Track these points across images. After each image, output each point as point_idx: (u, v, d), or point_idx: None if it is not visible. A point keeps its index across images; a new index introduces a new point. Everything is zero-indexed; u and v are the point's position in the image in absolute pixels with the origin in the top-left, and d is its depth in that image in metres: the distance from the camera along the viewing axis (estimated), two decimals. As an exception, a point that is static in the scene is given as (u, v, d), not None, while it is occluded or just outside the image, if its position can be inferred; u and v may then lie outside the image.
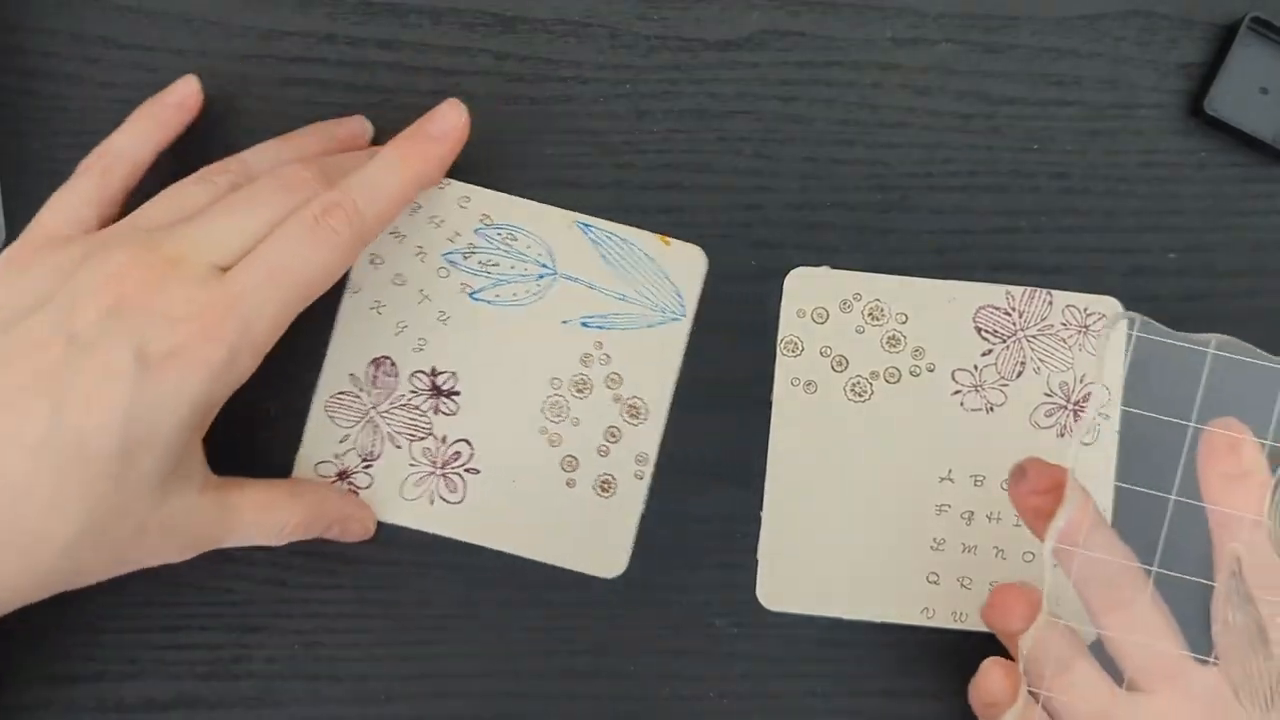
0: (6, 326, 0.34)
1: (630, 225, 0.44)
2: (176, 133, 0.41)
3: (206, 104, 0.43)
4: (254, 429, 0.42)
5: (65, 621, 0.42)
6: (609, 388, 0.43)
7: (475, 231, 0.43)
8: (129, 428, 0.33)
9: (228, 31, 0.44)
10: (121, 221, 0.37)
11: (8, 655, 0.42)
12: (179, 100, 0.41)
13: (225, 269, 0.35)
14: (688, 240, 0.44)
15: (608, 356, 0.43)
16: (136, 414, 0.33)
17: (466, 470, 0.42)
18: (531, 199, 0.44)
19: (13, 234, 0.43)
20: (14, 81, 0.44)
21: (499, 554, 0.42)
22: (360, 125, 0.42)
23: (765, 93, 0.44)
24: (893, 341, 0.43)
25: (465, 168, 0.44)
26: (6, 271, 0.36)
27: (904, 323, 0.43)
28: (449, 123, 0.39)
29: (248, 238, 0.35)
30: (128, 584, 0.42)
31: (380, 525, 0.42)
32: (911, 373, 0.43)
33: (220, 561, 0.42)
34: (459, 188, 0.43)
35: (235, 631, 0.42)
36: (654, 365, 0.43)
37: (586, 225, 0.43)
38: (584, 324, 0.43)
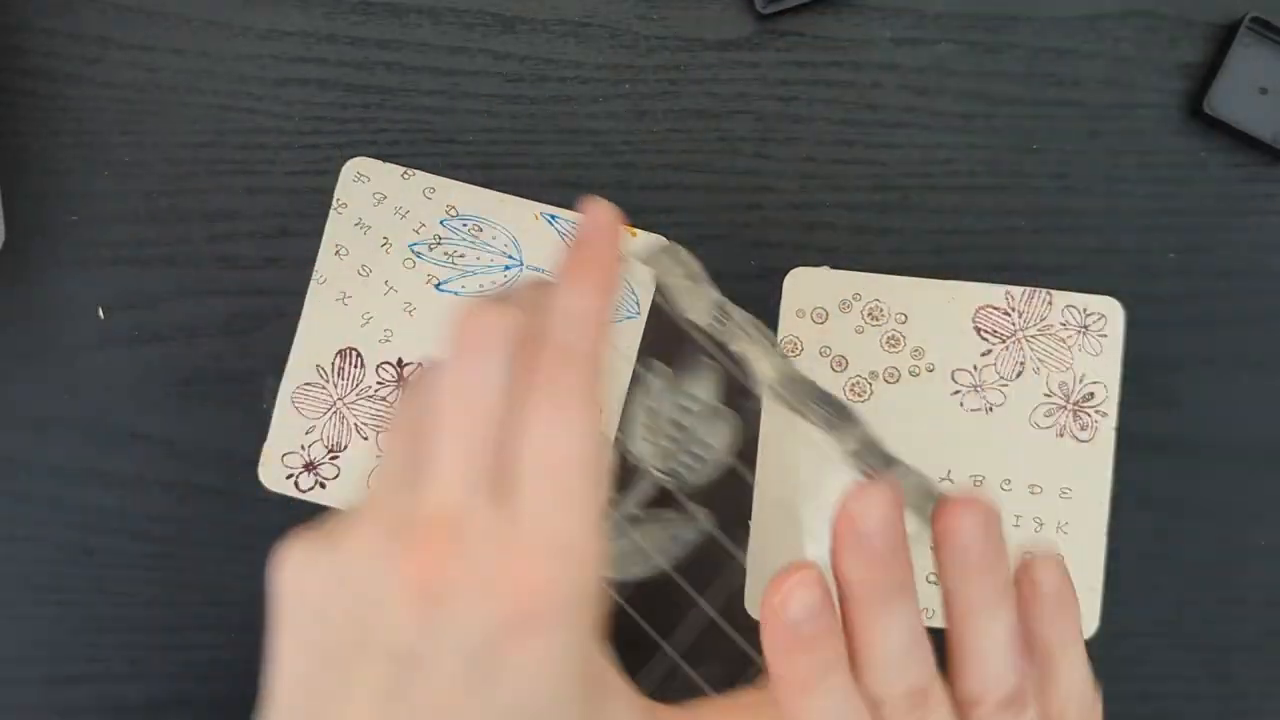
0: (335, 670, 0.28)
1: (630, 225, 0.44)
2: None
3: (208, 105, 0.43)
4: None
5: (65, 621, 0.42)
6: None
7: (441, 223, 0.43)
8: None
9: (228, 31, 0.44)
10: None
11: (7, 656, 0.42)
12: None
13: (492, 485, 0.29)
14: (687, 240, 0.44)
15: None
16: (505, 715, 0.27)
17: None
18: (532, 199, 0.44)
19: (12, 234, 0.43)
20: (14, 81, 0.44)
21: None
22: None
23: (765, 93, 0.44)
24: (892, 341, 0.43)
25: (464, 167, 0.44)
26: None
27: (904, 323, 0.43)
28: (601, 219, 0.34)
29: (481, 429, 0.30)
30: (128, 584, 0.43)
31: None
32: (911, 373, 0.43)
33: (220, 561, 0.42)
34: (424, 178, 0.44)
35: (235, 631, 0.42)
36: (615, 357, 0.43)
37: (552, 216, 0.43)
38: None
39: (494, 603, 0.27)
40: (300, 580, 0.29)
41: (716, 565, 0.39)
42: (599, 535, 0.29)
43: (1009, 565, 0.31)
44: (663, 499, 0.38)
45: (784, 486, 0.42)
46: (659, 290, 0.35)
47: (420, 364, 0.42)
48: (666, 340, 0.38)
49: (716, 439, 0.37)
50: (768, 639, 0.29)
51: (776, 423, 0.42)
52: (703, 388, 0.38)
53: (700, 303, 0.34)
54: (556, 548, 0.28)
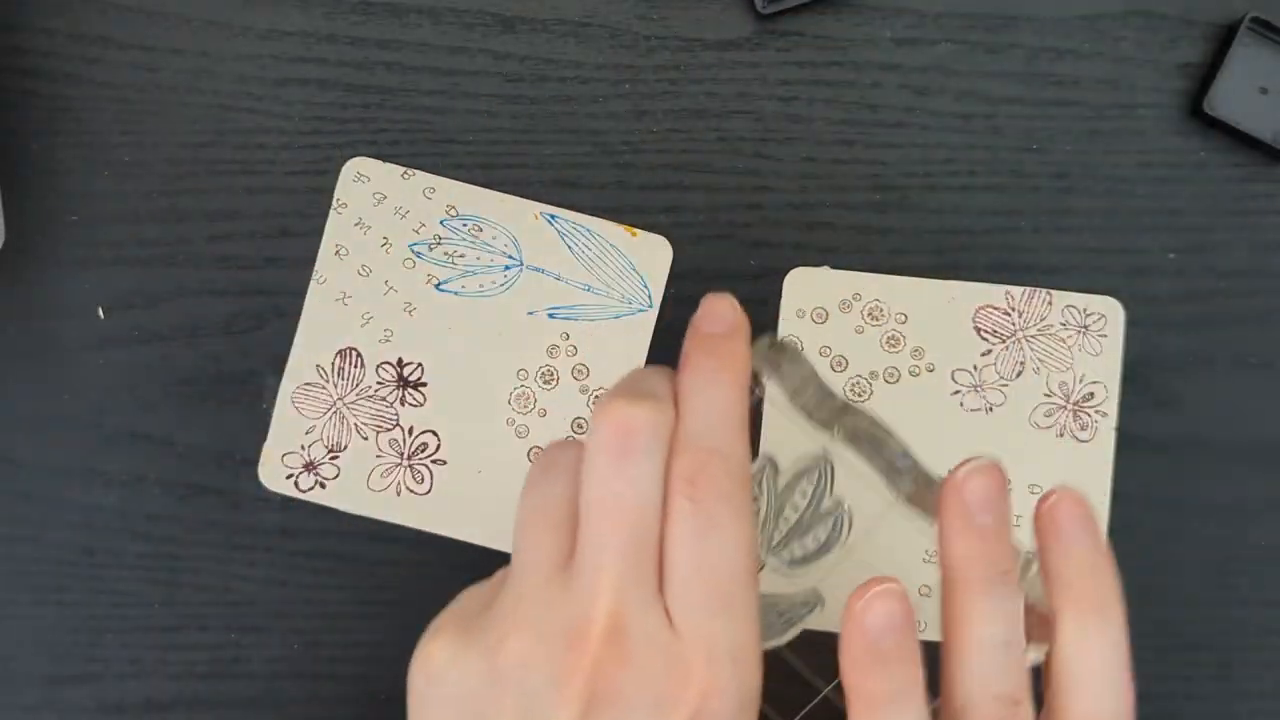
0: None
1: (629, 225, 0.44)
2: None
3: (208, 105, 0.43)
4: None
5: (65, 621, 0.42)
6: (576, 379, 0.43)
7: (441, 223, 0.43)
8: None
9: (228, 31, 0.44)
10: (485, 585, 0.32)
11: (8, 656, 0.42)
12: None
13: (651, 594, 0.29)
14: (687, 240, 0.44)
15: (574, 348, 0.43)
16: None
17: (433, 461, 0.43)
18: (532, 199, 0.44)
19: (12, 234, 0.43)
20: (14, 81, 0.44)
21: (502, 554, 0.42)
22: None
23: (765, 93, 0.44)
24: (892, 341, 0.43)
25: (464, 167, 0.44)
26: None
27: (903, 323, 0.43)
28: (727, 314, 0.32)
29: (643, 538, 0.29)
30: (128, 584, 0.43)
31: (378, 524, 0.42)
32: (911, 373, 0.43)
33: (220, 561, 0.43)
34: (424, 178, 0.44)
35: (235, 631, 0.42)
36: (621, 356, 0.43)
37: (552, 216, 0.43)
38: (550, 315, 0.43)
39: (663, 711, 0.27)
40: (451, 680, 0.29)
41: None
42: (758, 641, 0.29)
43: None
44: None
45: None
46: (769, 380, 0.33)
47: (546, 446, 0.38)
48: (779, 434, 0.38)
49: (828, 531, 0.37)
50: (845, 648, 0.29)
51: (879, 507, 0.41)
52: (813, 479, 0.37)
53: (813, 403, 0.33)
54: (720, 654, 0.28)
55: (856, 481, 0.33)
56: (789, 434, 0.34)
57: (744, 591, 0.28)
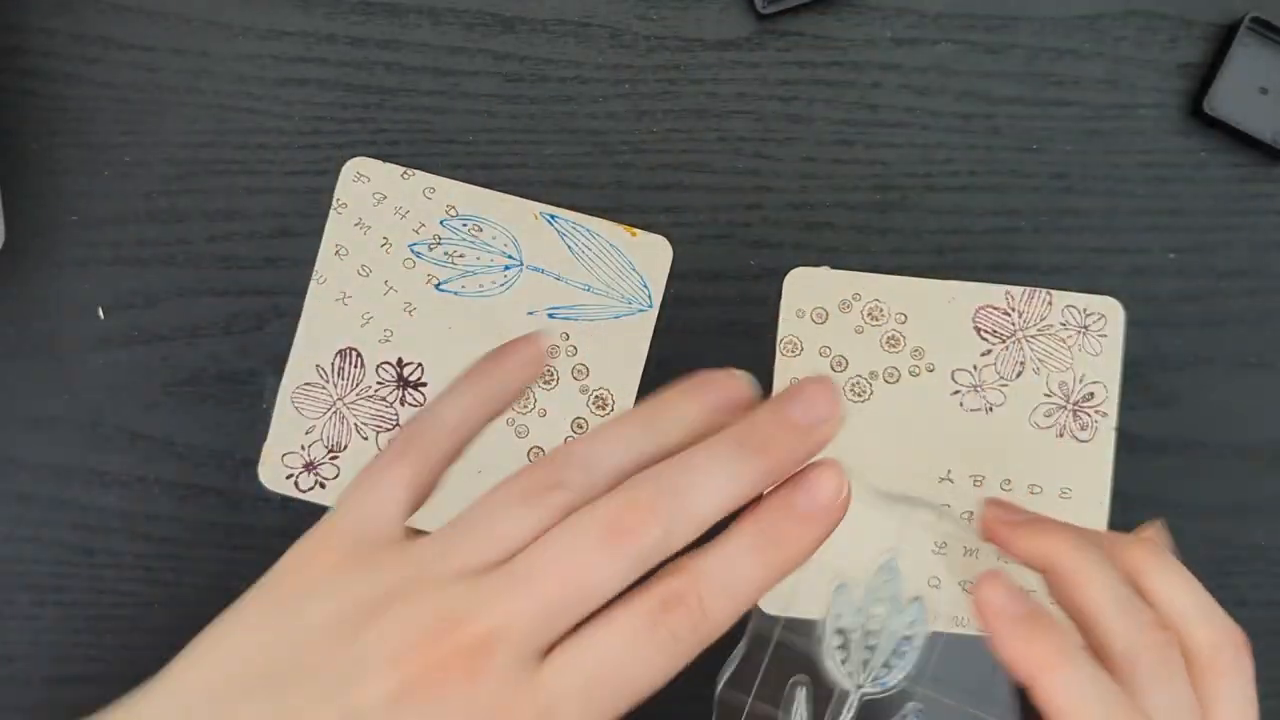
0: (279, 690, 0.27)
1: (629, 225, 0.44)
2: (516, 399, 0.32)
3: (208, 105, 0.43)
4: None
5: (65, 621, 0.42)
6: (575, 379, 0.43)
7: (441, 223, 0.43)
8: None
9: (228, 31, 0.44)
10: (426, 545, 0.29)
11: (8, 656, 0.42)
12: (526, 360, 0.32)
13: (544, 650, 0.27)
14: (688, 240, 0.44)
15: (575, 348, 0.43)
16: None
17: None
18: (532, 199, 0.44)
19: (12, 234, 0.43)
20: (14, 81, 0.44)
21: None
22: (741, 390, 0.31)
23: (765, 93, 0.44)
24: (892, 341, 0.43)
25: (464, 167, 0.44)
26: (294, 581, 0.29)
27: (903, 323, 0.43)
28: (824, 496, 0.29)
29: (565, 613, 0.27)
30: (128, 584, 0.43)
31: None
32: (911, 373, 0.43)
33: (220, 561, 0.42)
34: (424, 179, 0.44)
35: (235, 631, 0.42)
36: (621, 356, 0.43)
37: (552, 216, 0.43)
38: (550, 315, 0.43)
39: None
40: (320, 592, 0.28)
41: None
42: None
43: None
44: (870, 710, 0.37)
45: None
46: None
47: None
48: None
49: (911, 636, 0.37)
50: (993, 632, 0.31)
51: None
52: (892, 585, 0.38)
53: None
54: None
55: None
56: None
57: (608, 704, 0.27)
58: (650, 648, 0.27)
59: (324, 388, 0.43)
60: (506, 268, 0.43)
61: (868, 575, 0.37)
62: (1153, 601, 0.33)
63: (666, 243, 0.43)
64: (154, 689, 0.28)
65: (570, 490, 0.28)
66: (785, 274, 0.44)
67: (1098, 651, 0.32)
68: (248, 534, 0.43)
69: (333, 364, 0.43)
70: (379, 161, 0.44)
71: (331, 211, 0.43)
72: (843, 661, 0.36)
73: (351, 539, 0.29)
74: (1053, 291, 0.43)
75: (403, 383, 0.43)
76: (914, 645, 0.37)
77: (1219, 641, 0.33)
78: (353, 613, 0.27)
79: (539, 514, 0.28)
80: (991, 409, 0.43)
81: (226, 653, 0.28)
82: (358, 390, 0.43)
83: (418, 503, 0.31)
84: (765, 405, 0.29)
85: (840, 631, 0.37)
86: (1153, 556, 0.34)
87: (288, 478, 0.42)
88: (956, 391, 0.43)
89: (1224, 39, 0.45)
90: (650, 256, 0.43)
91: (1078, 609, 0.33)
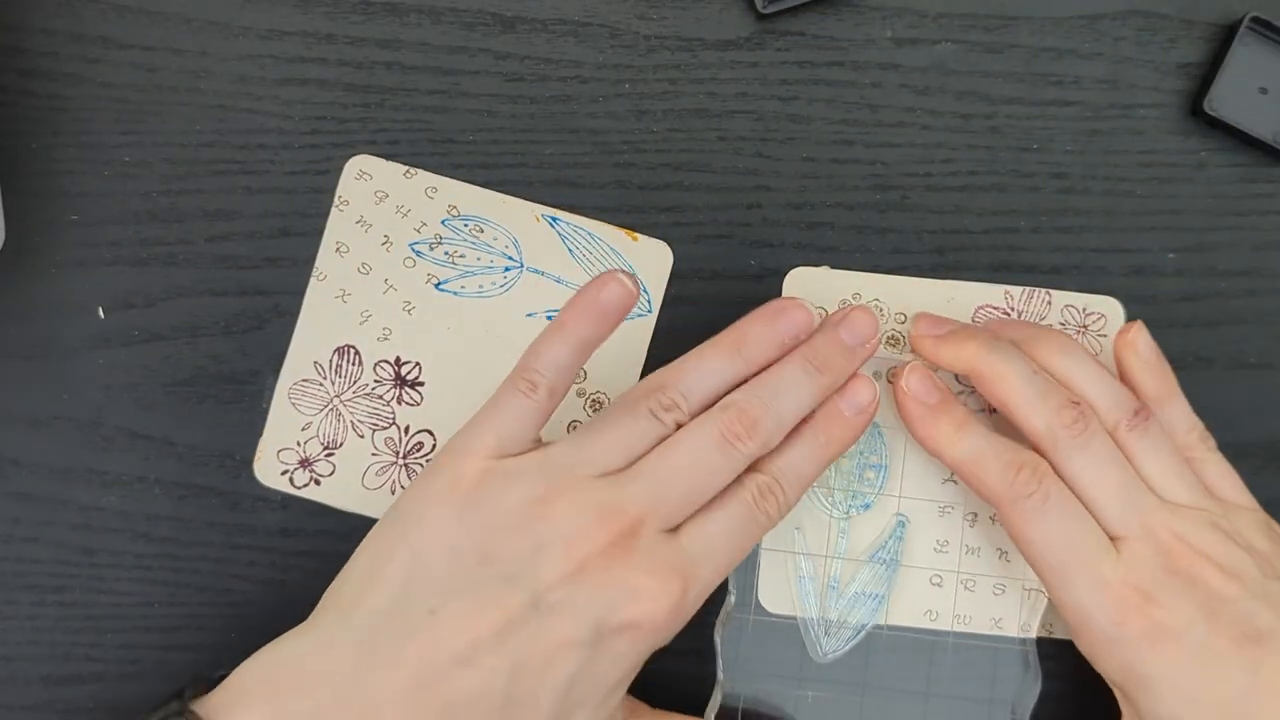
0: (471, 576, 0.34)
1: (629, 225, 0.44)
2: (612, 331, 0.37)
3: (208, 105, 0.43)
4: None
5: (65, 621, 0.42)
6: (573, 383, 0.43)
7: (442, 223, 0.43)
8: (570, 692, 0.33)
9: (228, 31, 0.44)
10: (565, 452, 0.36)
11: (8, 656, 0.42)
12: (614, 299, 0.37)
13: (673, 529, 0.35)
14: (688, 240, 0.44)
15: None
16: (581, 679, 0.34)
17: (429, 461, 0.42)
18: (532, 199, 0.44)
19: (12, 234, 0.43)
20: (14, 81, 0.44)
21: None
22: (805, 317, 0.38)
23: (765, 93, 0.44)
24: (892, 342, 0.43)
25: (464, 167, 0.44)
26: (456, 503, 0.35)
27: (904, 323, 0.43)
28: (864, 402, 0.38)
29: (691, 502, 0.35)
30: (128, 584, 0.43)
31: (366, 522, 0.42)
32: (911, 373, 0.43)
33: (220, 561, 0.43)
34: (426, 178, 0.44)
35: (235, 632, 0.42)
36: (619, 360, 0.43)
37: (554, 218, 0.43)
38: (549, 317, 0.43)
39: (627, 599, 0.34)
40: (495, 487, 0.35)
41: None
42: (705, 598, 0.35)
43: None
44: None
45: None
46: None
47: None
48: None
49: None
50: (906, 416, 0.40)
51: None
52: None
53: None
54: (688, 588, 0.34)
55: None
56: None
57: (726, 563, 0.36)
58: (753, 524, 0.36)
59: (321, 384, 0.43)
60: (507, 269, 0.43)
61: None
62: (1063, 383, 0.38)
63: (667, 248, 0.43)
64: (351, 594, 0.35)
65: (680, 411, 0.36)
66: (785, 274, 0.44)
67: (1029, 439, 0.38)
68: (248, 534, 0.43)
69: (330, 361, 0.43)
70: (382, 160, 0.44)
71: (333, 209, 0.43)
72: (825, 499, 0.42)
73: (494, 456, 0.35)
74: (1052, 291, 0.43)
75: (400, 381, 0.43)
76: (881, 466, 0.42)
77: (1114, 405, 0.38)
78: (525, 508, 0.34)
79: (658, 428, 0.36)
80: (992, 409, 0.43)
81: (420, 551, 0.34)
82: (355, 388, 0.43)
83: (544, 421, 0.37)
84: (822, 330, 0.38)
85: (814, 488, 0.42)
86: (1057, 344, 0.39)
87: (283, 473, 0.42)
88: (959, 392, 0.43)
89: (1224, 39, 0.45)
90: (651, 261, 0.43)
91: (1001, 403, 0.38)
